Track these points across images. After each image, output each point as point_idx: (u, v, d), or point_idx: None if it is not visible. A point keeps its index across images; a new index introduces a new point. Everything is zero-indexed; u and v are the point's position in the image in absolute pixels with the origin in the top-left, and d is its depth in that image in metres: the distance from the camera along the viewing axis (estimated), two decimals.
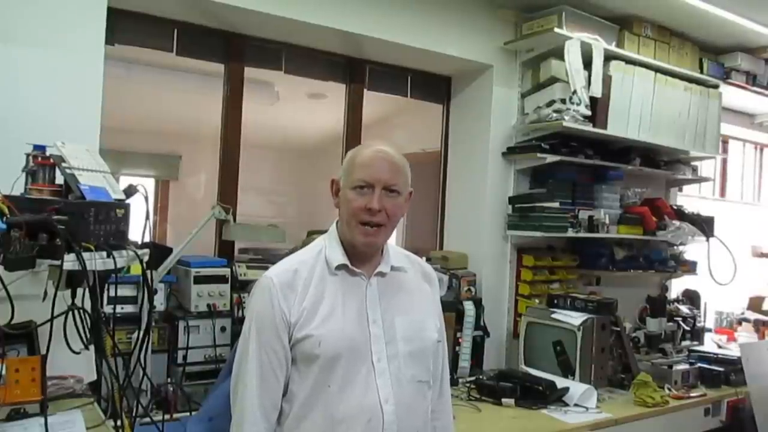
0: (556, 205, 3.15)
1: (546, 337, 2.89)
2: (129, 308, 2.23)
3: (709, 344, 3.75)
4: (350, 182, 1.42)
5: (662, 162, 3.72)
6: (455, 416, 1.70)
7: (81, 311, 1.60)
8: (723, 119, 3.88)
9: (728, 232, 3.82)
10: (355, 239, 1.42)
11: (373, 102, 3.38)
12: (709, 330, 4.04)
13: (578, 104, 3.04)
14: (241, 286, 2.61)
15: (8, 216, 1.34)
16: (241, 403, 1.36)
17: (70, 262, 1.39)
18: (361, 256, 1.45)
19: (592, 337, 2.77)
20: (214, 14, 2.60)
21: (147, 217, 1.72)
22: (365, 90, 3.25)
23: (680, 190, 4.33)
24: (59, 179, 1.62)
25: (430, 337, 1.50)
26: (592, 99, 3.13)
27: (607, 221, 3.29)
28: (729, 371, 3.06)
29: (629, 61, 3.33)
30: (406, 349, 1.43)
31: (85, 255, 1.42)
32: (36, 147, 1.64)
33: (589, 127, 3.13)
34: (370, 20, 2.81)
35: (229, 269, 2.58)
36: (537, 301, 3.19)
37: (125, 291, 2.22)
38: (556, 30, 3.03)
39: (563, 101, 3.08)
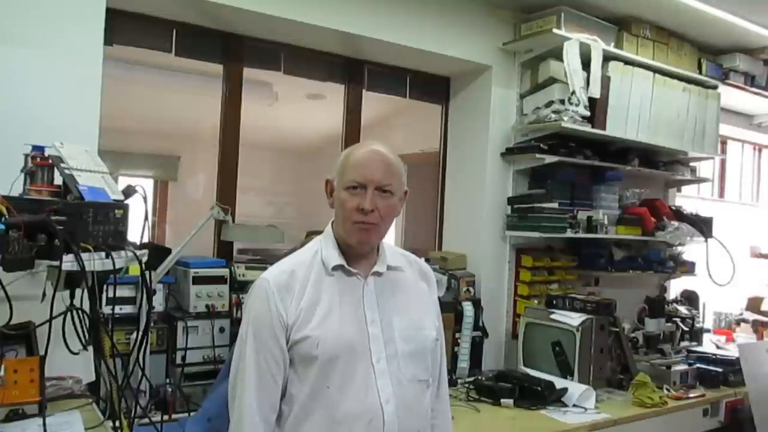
0: (554, 205, 3.15)
1: (545, 337, 2.89)
2: (128, 309, 2.22)
3: (708, 345, 3.74)
4: (343, 183, 1.42)
5: (661, 162, 3.72)
6: (454, 417, 1.70)
7: (80, 312, 1.60)
8: (721, 120, 3.89)
9: (727, 232, 3.82)
10: (350, 239, 1.42)
11: (372, 103, 3.38)
12: (708, 330, 4.04)
13: (577, 105, 3.04)
14: (240, 287, 2.60)
15: (7, 216, 1.34)
16: (240, 406, 1.35)
17: (68, 262, 1.39)
18: (357, 256, 1.45)
19: (590, 337, 2.77)
20: (213, 15, 2.60)
21: (146, 218, 1.73)
22: (364, 91, 3.25)
23: (679, 190, 4.34)
24: (58, 180, 1.61)
25: (429, 336, 1.50)
26: (591, 100, 3.13)
27: (606, 222, 3.29)
28: (727, 372, 3.07)
29: (628, 62, 3.33)
30: (405, 348, 1.43)
31: (84, 256, 1.42)
32: (35, 147, 1.64)
33: (587, 128, 3.14)
34: (369, 21, 2.81)
35: (227, 270, 2.58)
36: (536, 301, 3.19)
37: (124, 292, 2.21)
38: (555, 31, 3.03)
39: (562, 102, 3.08)
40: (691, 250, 3.87)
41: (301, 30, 2.72)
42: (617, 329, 2.93)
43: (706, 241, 3.66)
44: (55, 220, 1.39)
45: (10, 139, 1.74)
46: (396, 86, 3.38)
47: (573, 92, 3.03)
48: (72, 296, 1.58)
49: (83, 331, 1.63)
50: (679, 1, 3.16)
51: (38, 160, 1.62)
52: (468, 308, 3.01)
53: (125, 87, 3.48)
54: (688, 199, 4.46)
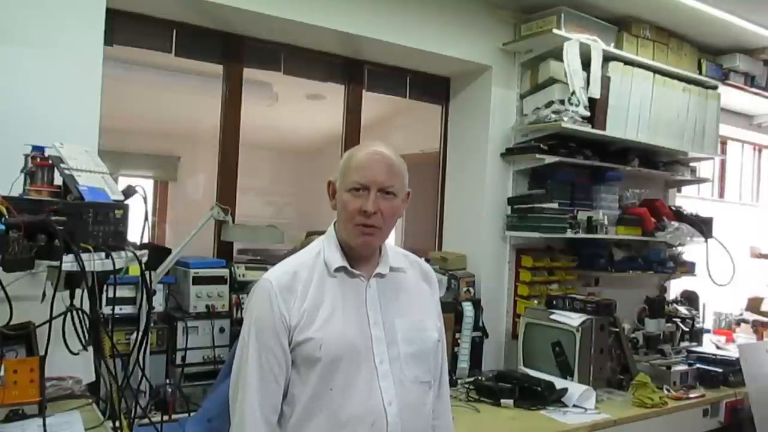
0: (554, 205, 3.15)
1: (545, 337, 2.89)
2: (128, 309, 2.22)
3: (708, 345, 3.75)
4: (346, 184, 1.41)
5: (661, 163, 3.72)
6: (454, 417, 1.70)
7: (80, 312, 1.60)
8: (721, 120, 3.89)
9: (727, 233, 3.82)
10: (352, 241, 1.42)
11: (372, 103, 3.38)
12: (708, 331, 4.04)
13: (577, 105, 3.04)
14: (240, 287, 2.61)
15: (7, 217, 1.34)
16: (241, 408, 1.35)
17: (68, 263, 1.39)
18: (359, 258, 1.45)
19: (590, 337, 2.77)
20: (213, 15, 2.60)
21: (146, 218, 1.73)
22: (364, 91, 3.25)
23: (679, 190, 4.34)
24: (58, 180, 1.61)
25: (431, 338, 1.49)
26: (591, 100, 3.13)
27: (606, 222, 3.29)
28: (727, 372, 3.07)
29: (628, 62, 3.33)
30: (407, 350, 1.43)
31: (84, 256, 1.42)
32: (35, 148, 1.64)
33: (587, 128, 3.14)
34: (369, 21, 2.81)
35: (227, 270, 2.58)
36: (536, 301, 3.19)
37: (124, 292, 2.21)
38: (555, 31, 3.03)
39: (562, 102, 3.08)
40: (691, 250, 3.87)
41: (301, 30, 2.72)
42: (617, 329, 2.93)
43: (706, 241, 3.66)
44: (55, 221, 1.39)
45: (10, 139, 1.74)
46: (396, 86, 3.37)
47: (573, 92, 3.03)
48: (72, 296, 1.58)
49: (83, 332, 1.63)
50: (679, 1, 3.16)
51: (38, 160, 1.62)
52: (468, 308, 3.01)
53: (125, 87, 3.48)
54: (688, 200, 4.46)
